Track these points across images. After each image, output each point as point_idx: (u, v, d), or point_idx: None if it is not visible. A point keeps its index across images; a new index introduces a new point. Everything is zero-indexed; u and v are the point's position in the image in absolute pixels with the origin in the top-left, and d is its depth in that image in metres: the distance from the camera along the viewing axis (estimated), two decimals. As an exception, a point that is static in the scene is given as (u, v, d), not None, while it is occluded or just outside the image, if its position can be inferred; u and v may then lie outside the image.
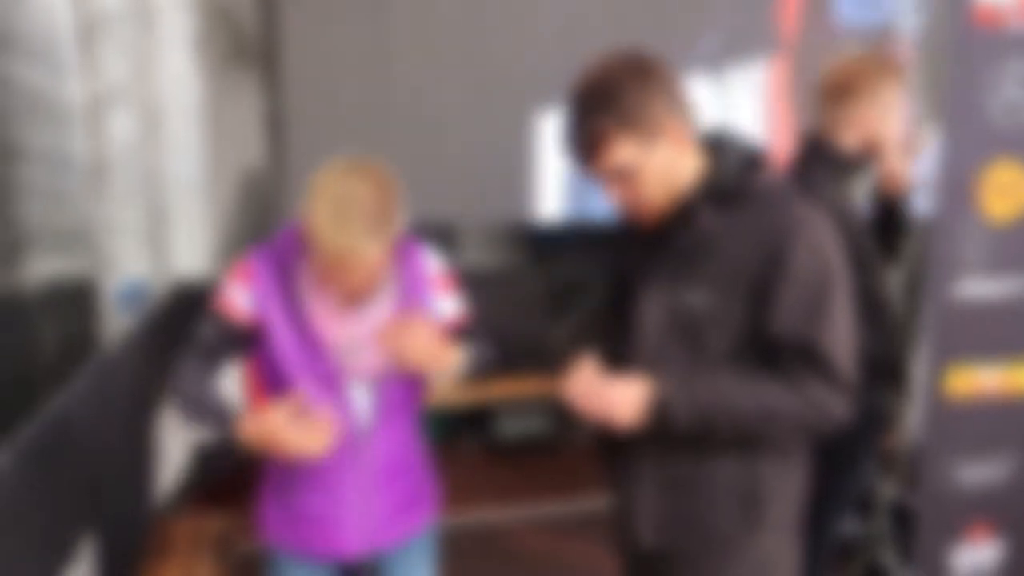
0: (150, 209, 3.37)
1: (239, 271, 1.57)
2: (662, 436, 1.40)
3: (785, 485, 1.48)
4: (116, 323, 2.86)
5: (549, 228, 4.49)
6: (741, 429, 1.40)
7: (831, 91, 2.17)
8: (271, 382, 1.61)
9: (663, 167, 1.38)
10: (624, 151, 1.36)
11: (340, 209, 1.39)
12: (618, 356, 1.48)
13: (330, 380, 1.56)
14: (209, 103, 3.94)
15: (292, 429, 1.45)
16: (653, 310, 1.44)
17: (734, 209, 1.39)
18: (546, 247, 4.54)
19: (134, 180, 3.20)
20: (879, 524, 2.53)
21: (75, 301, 2.68)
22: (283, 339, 1.54)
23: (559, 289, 4.37)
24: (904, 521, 2.47)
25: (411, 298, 1.62)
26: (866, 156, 2.15)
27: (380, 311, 1.57)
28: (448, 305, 1.68)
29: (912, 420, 2.34)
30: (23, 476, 1.61)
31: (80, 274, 2.71)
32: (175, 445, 3.07)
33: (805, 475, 1.54)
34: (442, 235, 4.25)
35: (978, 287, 2.20)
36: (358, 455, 1.61)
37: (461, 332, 1.70)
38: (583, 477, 3.97)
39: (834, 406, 1.37)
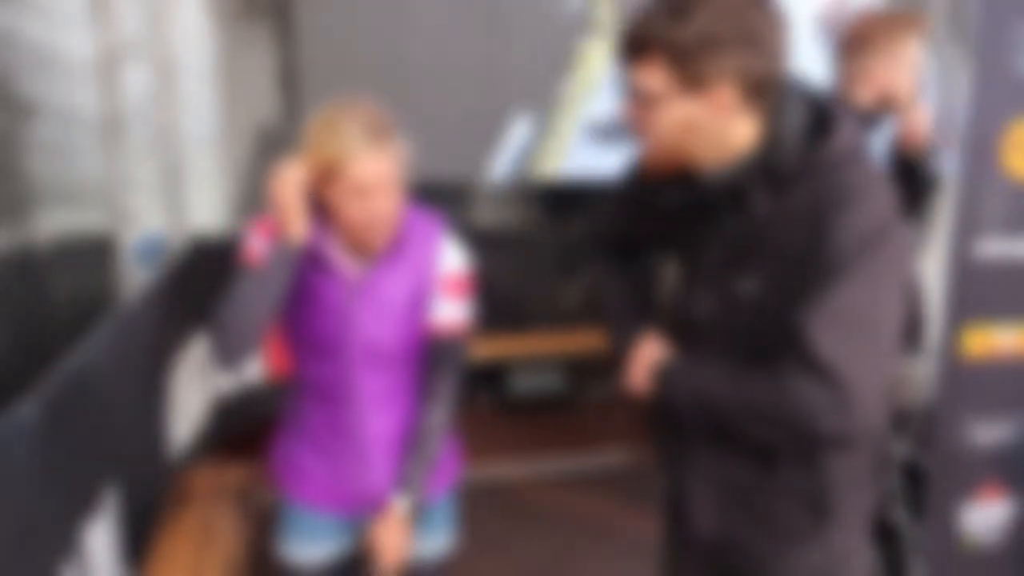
0: (166, 164, 3.38)
1: (263, 226, 1.54)
2: (721, 433, 1.31)
3: (855, 484, 1.33)
4: (134, 277, 2.89)
5: (561, 187, 4.46)
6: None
7: (846, 45, 2.13)
8: (293, 338, 1.62)
9: (684, 123, 1.18)
10: (653, 77, 1.16)
11: (332, 121, 1.42)
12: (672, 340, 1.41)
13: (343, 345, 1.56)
14: (223, 57, 3.91)
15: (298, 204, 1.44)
16: (705, 305, 1.31)
17: (791, 186, 1.18)
18: (558, 206, 4.52)
19: (149, 135, 3.20)
20: (891, 482, 2.54)
21: (94, 256, 2.71)
22: (309, 289, 1.54)
23: (571, 248, 4.37)
24: (916, 479, 2.48)
25: (417, 290, 1.58)
26: (882, 111, 2.12)
27: (393, 286, 1.56)
28: (449, 311, 1.61)
29: (927, 379, 2.33)
30: (47, 427, 1.64)
31: (98, 229, 2.73)
32: (193, 397, 3.11)
33: (876, 468, 1.39)
34: (455, 193, 4.24)
35: (997, 246, 2.17)
36: (355, 430, 1.62)
37: (451, 340, 1.63)
38: (595, 433, 4.01)
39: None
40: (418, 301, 1.58)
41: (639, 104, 1.21)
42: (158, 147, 3.32)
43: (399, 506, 1.59)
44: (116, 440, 2.15)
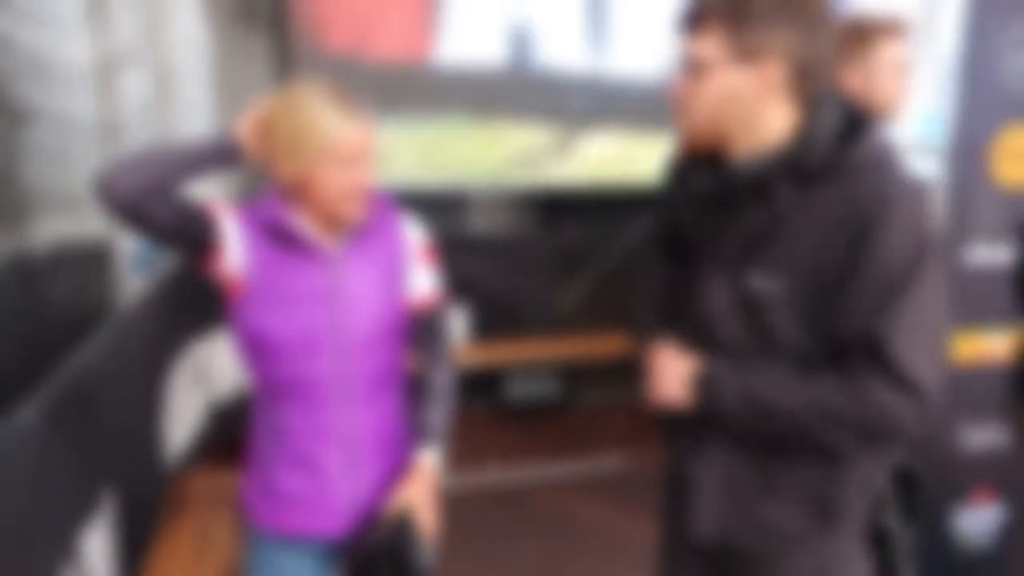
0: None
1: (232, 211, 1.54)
2: (734, 430, 1.32)
3: (862, 490, 1.35)
4: (131, 284, 2.89)
5: (558, 193, 4.49)
6: (799, 427, 1.25)
7: None
8: (261, 346, 1.53)
9: (727, 93, 1.23)
10: (709, 44, 1.21)
11: (305, 102, 1.42)
12: (682, 333, 1.39)
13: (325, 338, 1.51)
14: (220, 64, 3.93)
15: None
16: (719, 294, 1.31)
17: (818, 184, 1.21)
18: (555, 212, 4.54)
19: (147, 142, 3.21)
20: (883, 485, 2.55)
21: (91, 262, 2.71)
22: (277, 294, 1.50)
23: (566, 253, 4.38)
24: (908, 483, 2.50)
25: (391, 266, 1.58)
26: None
27: (371, 263, 1.55)
28: (424, 280, 1.62)
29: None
30: (45, 432, 1.65)
31: (95, 236, 2.74)
32: (191, 403, 3.12)
33: (880, 474, 1.42)
34: (452, 201, 4.25)
35: (988, 253, 2.20)
36: (343, 431, 1.55)
37: (435, 310, 1.65)
38: (591, 438, 4.02)
39: (901, 412, 1.19)
40: (394, 275, 1.59)
41: (690, 75, 1.25)
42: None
43: (428, 460, 1.56)
44: (114, 446, 2.16)
